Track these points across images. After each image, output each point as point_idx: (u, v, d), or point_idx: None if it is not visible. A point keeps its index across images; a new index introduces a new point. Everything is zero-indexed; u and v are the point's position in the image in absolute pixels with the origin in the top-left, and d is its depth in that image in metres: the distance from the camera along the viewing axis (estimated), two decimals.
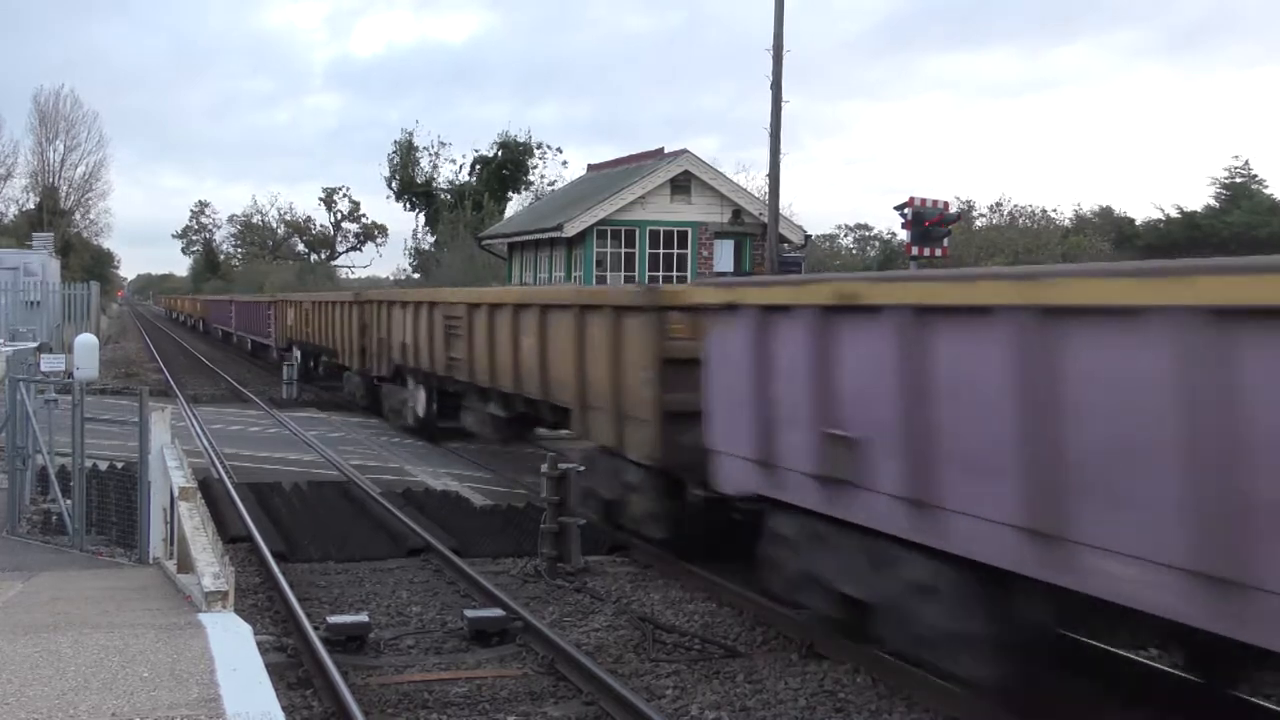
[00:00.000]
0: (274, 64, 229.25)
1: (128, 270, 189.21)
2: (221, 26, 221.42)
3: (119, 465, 15.51)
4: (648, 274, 31.01)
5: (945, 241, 27.06)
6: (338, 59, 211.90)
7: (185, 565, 10.18)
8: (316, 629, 10.25)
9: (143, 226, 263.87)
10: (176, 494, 10.84)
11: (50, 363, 18.77)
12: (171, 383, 36.39)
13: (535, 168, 63.71)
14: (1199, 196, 60.72)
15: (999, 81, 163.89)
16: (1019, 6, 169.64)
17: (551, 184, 59.47)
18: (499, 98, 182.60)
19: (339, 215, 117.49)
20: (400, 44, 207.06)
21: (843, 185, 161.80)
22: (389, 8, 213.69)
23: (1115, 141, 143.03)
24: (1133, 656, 9.67)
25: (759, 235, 30.89)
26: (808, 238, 33.85)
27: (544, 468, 13.60)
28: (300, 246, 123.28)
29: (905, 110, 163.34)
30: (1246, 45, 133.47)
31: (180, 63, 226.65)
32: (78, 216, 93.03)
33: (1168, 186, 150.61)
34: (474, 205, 58.88)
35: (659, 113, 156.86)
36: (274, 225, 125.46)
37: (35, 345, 25.37)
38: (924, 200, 26.01)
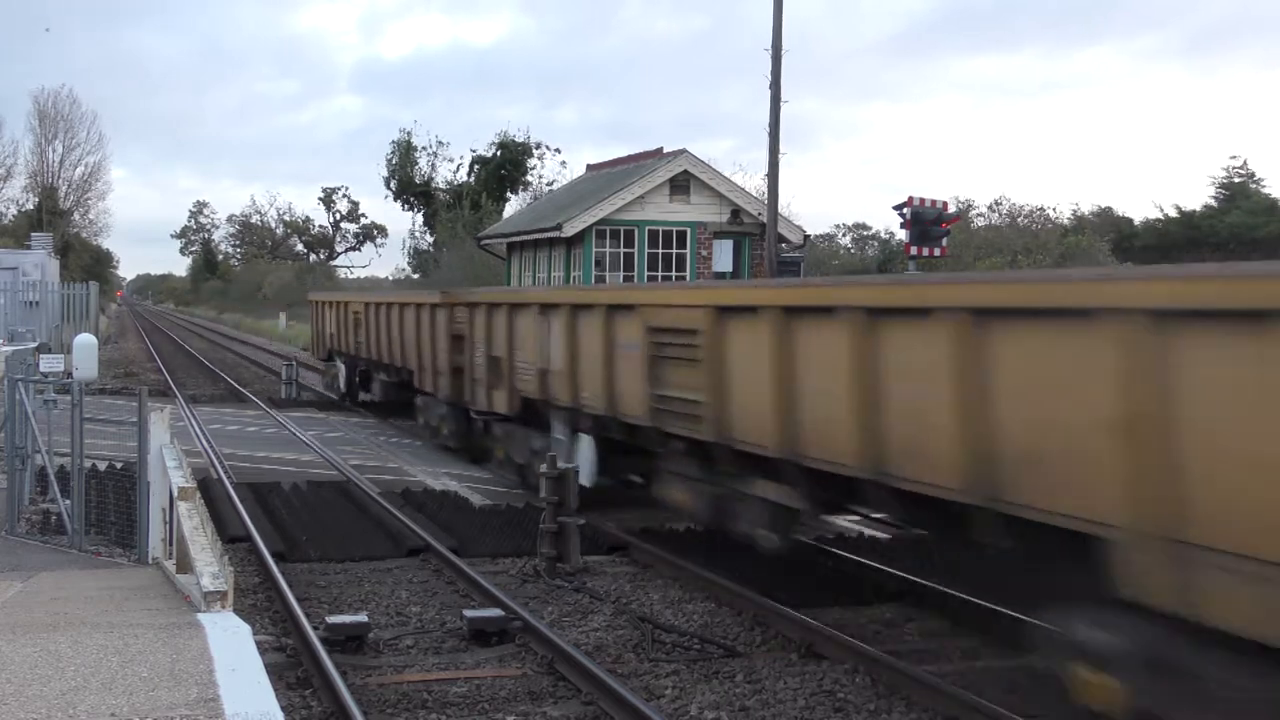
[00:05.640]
0: (302, 66, 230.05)
1: (127, 270, 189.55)
2: (253, 29, 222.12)
3: (118, 465, 15.52)
4: (646, 274, 30.98)
5: (944, 241, 27.05)
6: (366, 61, 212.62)
7: (184, 565, 10.18)
8: (315, 629, 10.24)
9: (150, 226, 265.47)
10: (175, 494, 10.84)
11: (49, 363, 18.75)
12: (170, 383, 36.38)
13: (534, 168, 63.70)
14: (1199, 196, 60.79)
15: (1015, 84, 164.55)
16: (1045, 9, 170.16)
17: (550, 184, 59.46)
18: (520, 100, 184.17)
19: (338, 215, 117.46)
20: (429, 46, 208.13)
21: (855, 186, 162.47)
22: (425, 10, 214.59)
23: (1120, 142, 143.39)
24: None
25: (758, 235, 30.88)
26: (806, 238, 33.84)
27: (543, 468, 13.61)
28: (299, 247, 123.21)
29: (921, 112, 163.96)
30: (1259, 49, 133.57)
31: (209, 65, 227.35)
32: (77, 217, 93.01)
33: (1168, 186, 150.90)
34: (472, 205, 58.83)
35: (676, 115, 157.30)
36: (273, 225, 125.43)
37: (34, 345, 25.37)
38: (923, 200, 26.00)
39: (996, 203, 56.58)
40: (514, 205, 59.95)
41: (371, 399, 29.42)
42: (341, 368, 31.46)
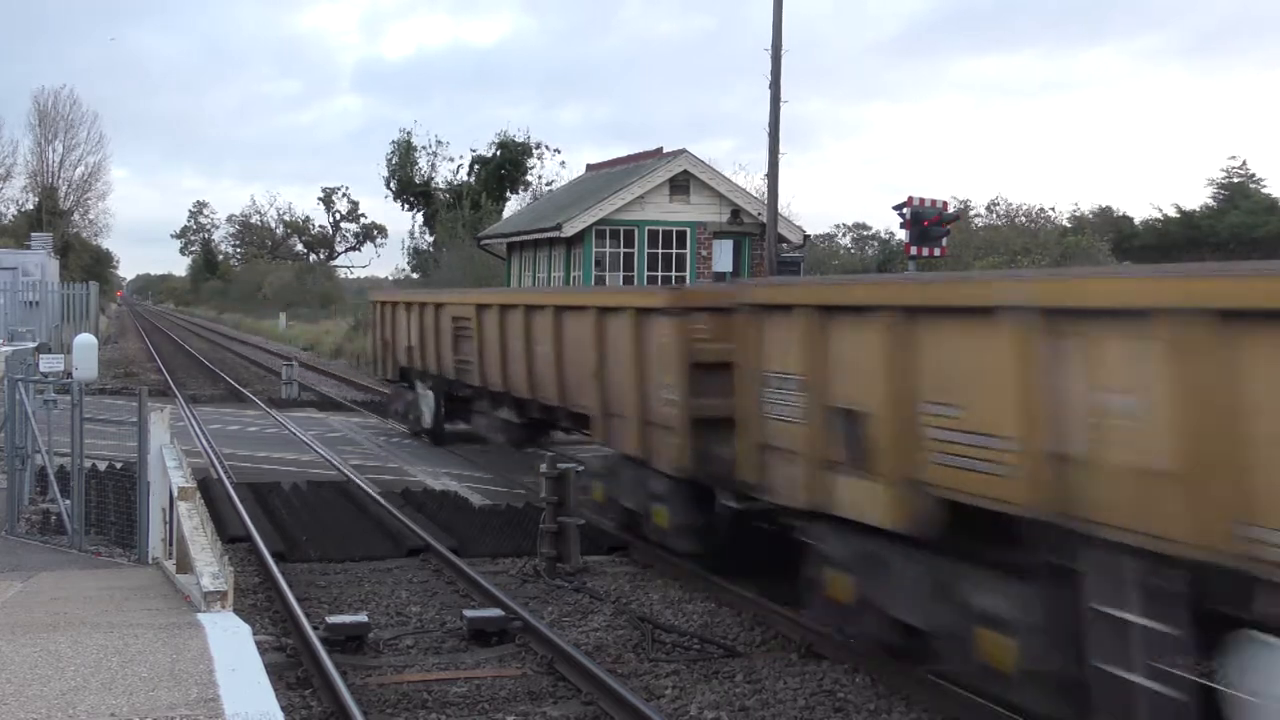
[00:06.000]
0: (304, 66, 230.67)
1: (127, 270, 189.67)
2: (254, 29, 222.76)
3: (118, 465, 15.53)
4: (646, 274, 30.98)
5: (944, 241, 27.03)
6: (367, 61, 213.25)
7: (184, 565, 10.18)
8: (315, 629, 10.25)
9: (150, 226, 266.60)
10: (175, 494, 10.84)
11: (49, 363, 18.75)
12: (170, 383, 36.38)
13: (533, 168, 63.68)
14: (1198, 196, 60.81)
15: (1015, 84, 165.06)
16: (1045, 9, 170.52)
17: (549, 184, 59.44)
18: (522, 100, 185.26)
19: (338, 215, 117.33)
20: (431, 46, 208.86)
21: (857, 186, 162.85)
22: (427, 10, 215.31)
23: (1120, 142, 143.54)
24: None
25: (758, 235, 30.87)
26: (806, 238, 33.83)
27: (543, 467, 13.60)
28: (299, 247, 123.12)
29: (921, 112, 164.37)
30: (1259, 49, 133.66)
31: (210, 65, 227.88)
32: (77, 217, 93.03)
33: (1168, 187, 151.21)
34: (472, 205, 58.82)
35: (678, 115, 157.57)
36: (272, 225, 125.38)
37: (34, 345, 25.37)
38: (922, 200, 25.98)
39: (993, 203, 56.60)
40: (514, 205, 59.94)
41: (476, 437, 22.08)
42: (427, 394, 23.15)
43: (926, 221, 25.42)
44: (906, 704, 9.07)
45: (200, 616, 8.79)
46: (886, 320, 8.81)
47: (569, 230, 30.66)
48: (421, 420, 23.62)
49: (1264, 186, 48.40)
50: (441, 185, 68.54)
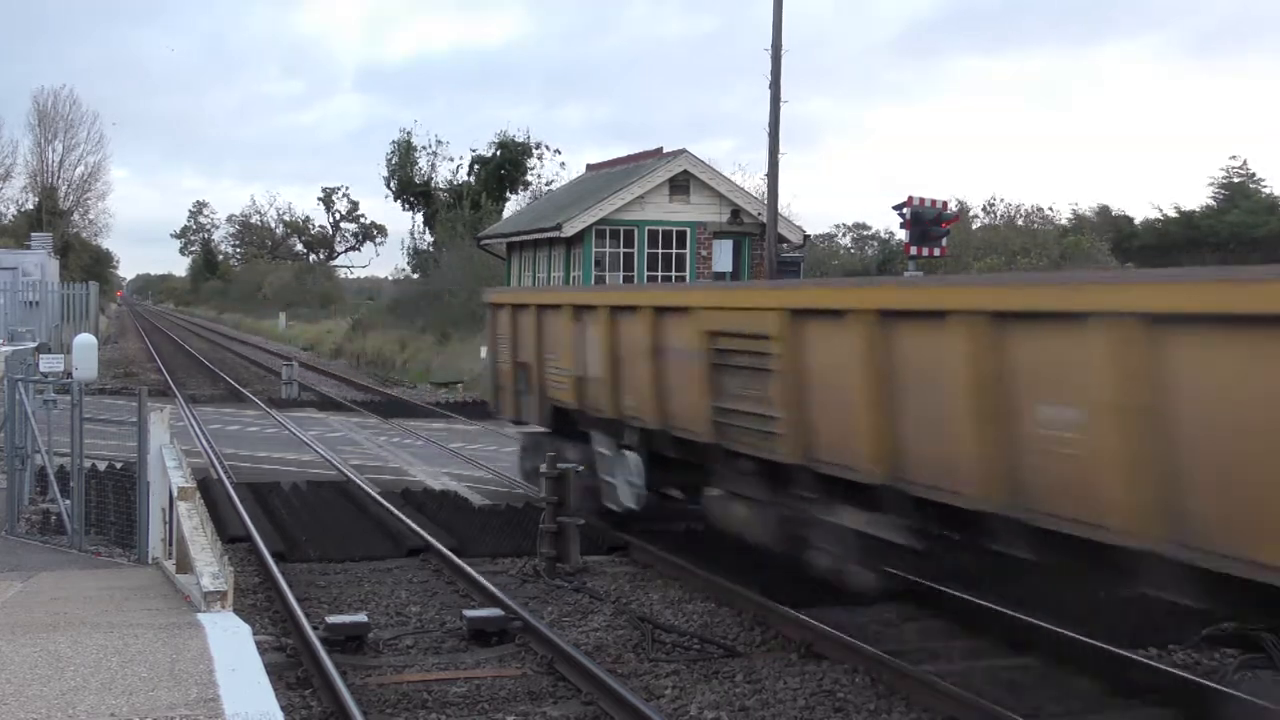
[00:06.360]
0: (306, 67, 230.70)
1: (127, 270, 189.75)
2: (256, 30, 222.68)
3: (118, 465, 15.53)
4: (646, 274, 31.00)
5: (944, 241, 27.04)
6: (369, 61, 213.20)
7: (184, 565, 10.19)
8: (315, 629, 10.25)
9: (150, 226, 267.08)
10: (175, 494, 10.84)
11: (49, 363, 18.74)
12: (170, 383, 36.39)
13: (533, 168, 63.70)
14: (1198, 196, 60.83)
15: (1017, 84, 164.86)
16: (1048, 10, 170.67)
17: (549, 184, 59.45)
18: (523, 100, 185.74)
19: (338, 215, 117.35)
20: (433, 47, 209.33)
21: (857, 186, 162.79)
22: (429, 11, 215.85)
23: (1120, 142, 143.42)
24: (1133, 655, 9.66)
25: (758, 235, 30.88)
26: (806, 238, 33.83)
27: (543, 468, 13.60)
28: (299, 246, 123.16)
29: (922, 112, 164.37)
30: (1260, 49, 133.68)
31: (211, 66, 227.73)
32: (77, 217, 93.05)
33: (1168, 187, 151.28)
34: (472, 205, 58.86)
35: (679, 116, 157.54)
36: (272, 225, 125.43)
37: (34, 345, 25.37)
38: (923, 200, 26.00)
39: (990, 203, 56.65)
40: (514, 205, 59.96)
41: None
42: (623, 457, 13.70)
43: (927, 221, 25.44)
44: (906, 704, 9.07)
45: (200, 616, 8.79)
46: None
47: (569, 230, 30.66)
48: (613, 497, 14.04)
49: (1264, 186, 48.39)
50: (441, 185, 68.55)
